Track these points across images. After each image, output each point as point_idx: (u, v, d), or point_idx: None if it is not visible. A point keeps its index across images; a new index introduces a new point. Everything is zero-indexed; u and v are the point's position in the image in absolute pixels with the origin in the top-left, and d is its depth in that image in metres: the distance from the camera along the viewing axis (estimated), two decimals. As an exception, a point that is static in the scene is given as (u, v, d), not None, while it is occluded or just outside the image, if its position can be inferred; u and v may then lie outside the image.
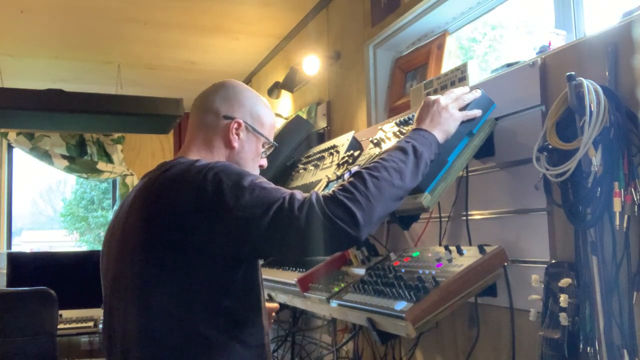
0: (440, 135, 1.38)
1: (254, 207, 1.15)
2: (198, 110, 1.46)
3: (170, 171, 1.28)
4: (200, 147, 1.41)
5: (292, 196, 1.16)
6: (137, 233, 1.26)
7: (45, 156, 5.16)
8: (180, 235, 1.19)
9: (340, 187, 1.18)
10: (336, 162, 2.13)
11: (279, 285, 2.17)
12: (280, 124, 3.27)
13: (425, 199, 1.41)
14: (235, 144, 1.42)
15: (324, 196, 1.15)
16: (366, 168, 1.23)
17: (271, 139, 1.50)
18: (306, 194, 1.18)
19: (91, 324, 4.25)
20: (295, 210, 1.13)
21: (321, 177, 2.15)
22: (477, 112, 1.47)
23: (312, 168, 2.36)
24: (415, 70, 2.42)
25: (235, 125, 1.41)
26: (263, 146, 1.48)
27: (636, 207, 1.15)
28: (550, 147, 1.28)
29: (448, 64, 2.25)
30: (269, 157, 1.55)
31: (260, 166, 1.50)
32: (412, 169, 1.27)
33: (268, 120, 1.48)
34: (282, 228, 1.14)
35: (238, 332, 1.26)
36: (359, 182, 1.18)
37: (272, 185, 1.22)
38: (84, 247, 10.72)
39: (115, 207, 5.54)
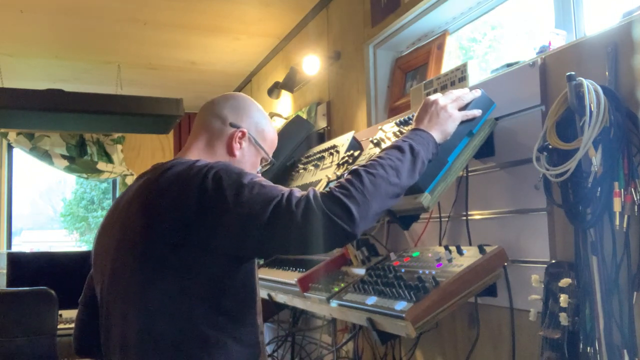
0: (438, 135, 1.39)
1: (254, 203, 1.17)
2: (205, 114, 1.47)
3: (171, 171, 1.29)
4: (202, 150, 1.43)
5: (290, 193, 1.18)
6: (138, 232, 1.27)
7: (45, 156, 5.15)
8: (182, 234, 1.20)
9: (337, 184, 1.20)
10: (336, 162, 2.13)
11: (279, 285, 2.17)
12: (280, 124, 3.27)
13: (425, 199, 1.41)
14: (237, 152, 1.44)
15: (321, 193, 1.17)
16: (363, 166, 1.25)
17: (270, 155, 1.52)
18: (304, 192, 1.20)
19: (91, 324, 4.23)
20: (293, 206, 1.15)
21: (321, 177, 2.15)
22: (476, 112, 1.47)
23: (312, 168, 2.35)
24: (415, 70, 2.42)
25: (240, 134, 1.44)
26: (261, 162, 1.51)
27: (636, 207, 1.15)
28: (550, 147, 1.28)
29: (448, 64, 2.25)
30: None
31: None
32: (409, 167, 1.28)
33: (270, 137, 1.52)
34: (281, 224, 1.16)
35: (235, 330, 1.28)
36: (355, 178, 1.20)
37: (270, 183, 1.24)
38: (84, 247, 10.70)
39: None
